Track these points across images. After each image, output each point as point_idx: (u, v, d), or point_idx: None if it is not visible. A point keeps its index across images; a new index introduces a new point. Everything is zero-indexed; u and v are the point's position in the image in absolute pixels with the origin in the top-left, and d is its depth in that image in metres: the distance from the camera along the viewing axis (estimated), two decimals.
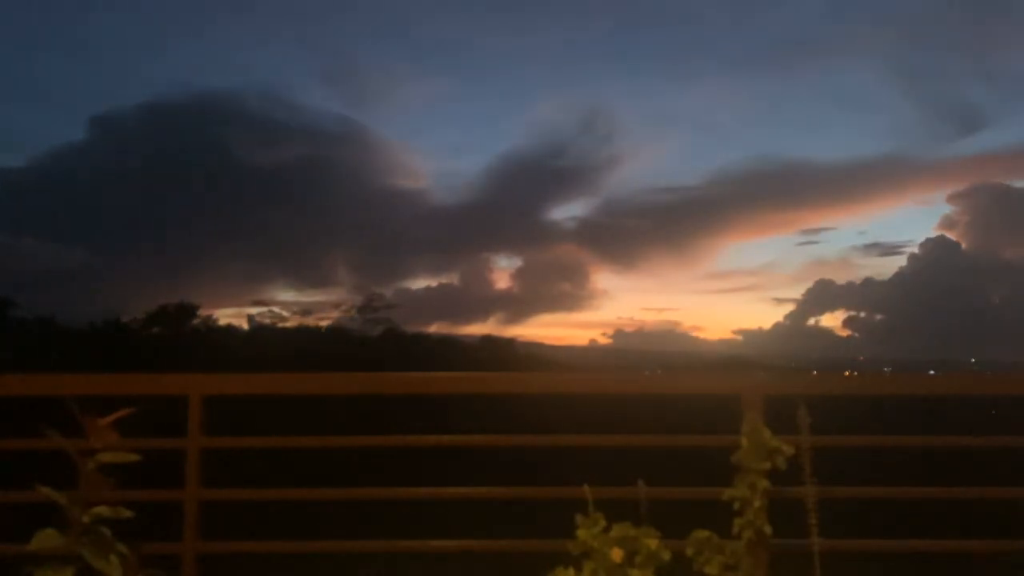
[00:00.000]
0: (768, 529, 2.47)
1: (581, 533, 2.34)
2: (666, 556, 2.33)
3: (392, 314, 51.28)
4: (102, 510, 2.07)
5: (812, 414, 2.46)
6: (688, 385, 3.16)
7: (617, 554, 2.30)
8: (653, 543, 2.33)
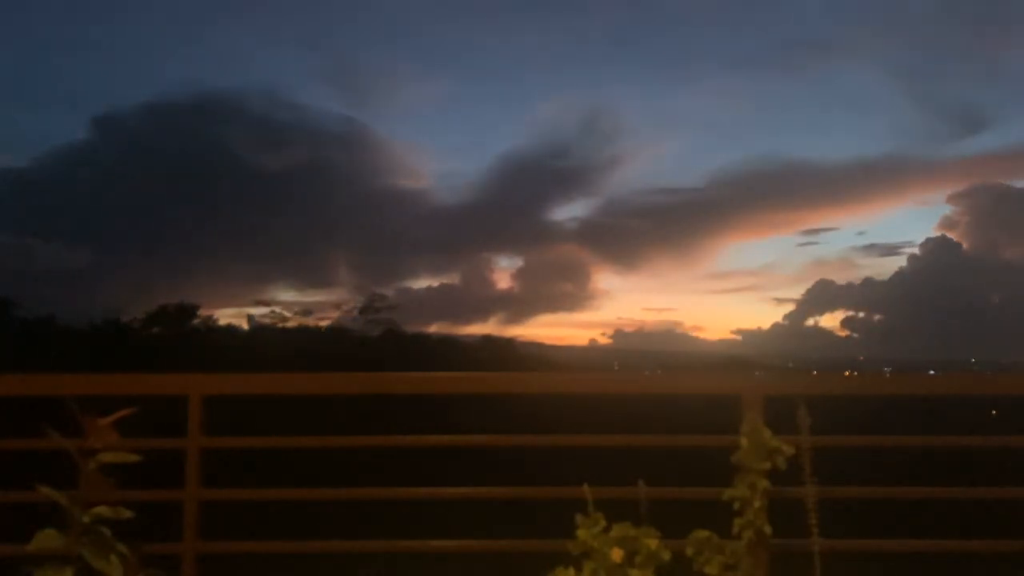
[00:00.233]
0: (768, 529, 2.46)
1: (581, 533, 2.34)
2: (666, 556, 2.33)
3: (393, 314, 51.22)
4: (102, 510, 2.06)
5: (812, 414, 2.46)
6: (688, 385, 3.16)
7: (617, 554, 2.30)
8: (653, 543, 2.32)
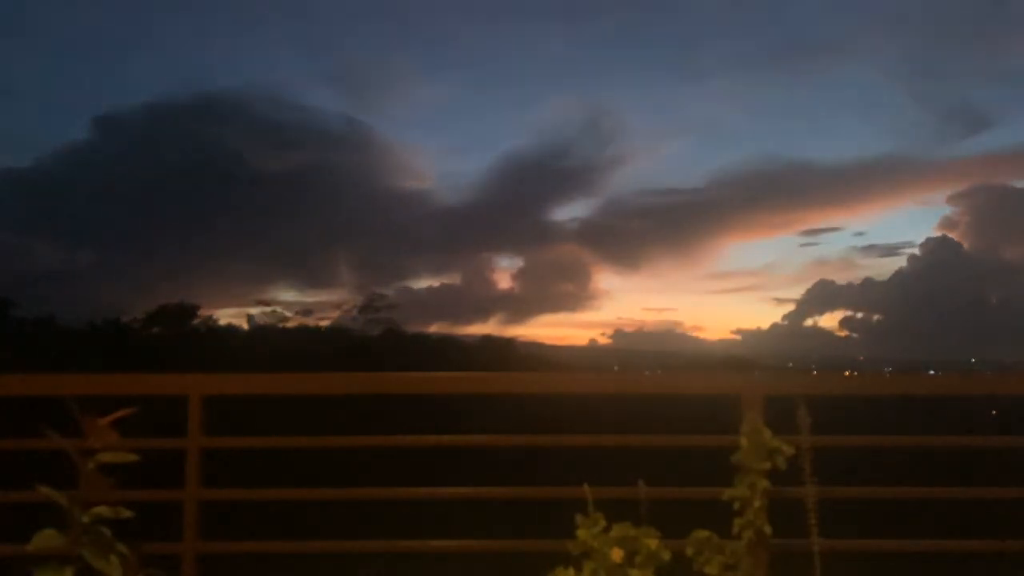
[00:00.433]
0: (768, 529, 2.46)
1: (581, 533, 2.34)
2: (666, 556, 2.33)
3: (393, 314, 51.29)
4: (102, 510, 2.06)
5: (812, 414, 2.46)
6: (688, 385, 3.16)
7: (617, 554, 2.30)
8: (653, 543, 2.32)
